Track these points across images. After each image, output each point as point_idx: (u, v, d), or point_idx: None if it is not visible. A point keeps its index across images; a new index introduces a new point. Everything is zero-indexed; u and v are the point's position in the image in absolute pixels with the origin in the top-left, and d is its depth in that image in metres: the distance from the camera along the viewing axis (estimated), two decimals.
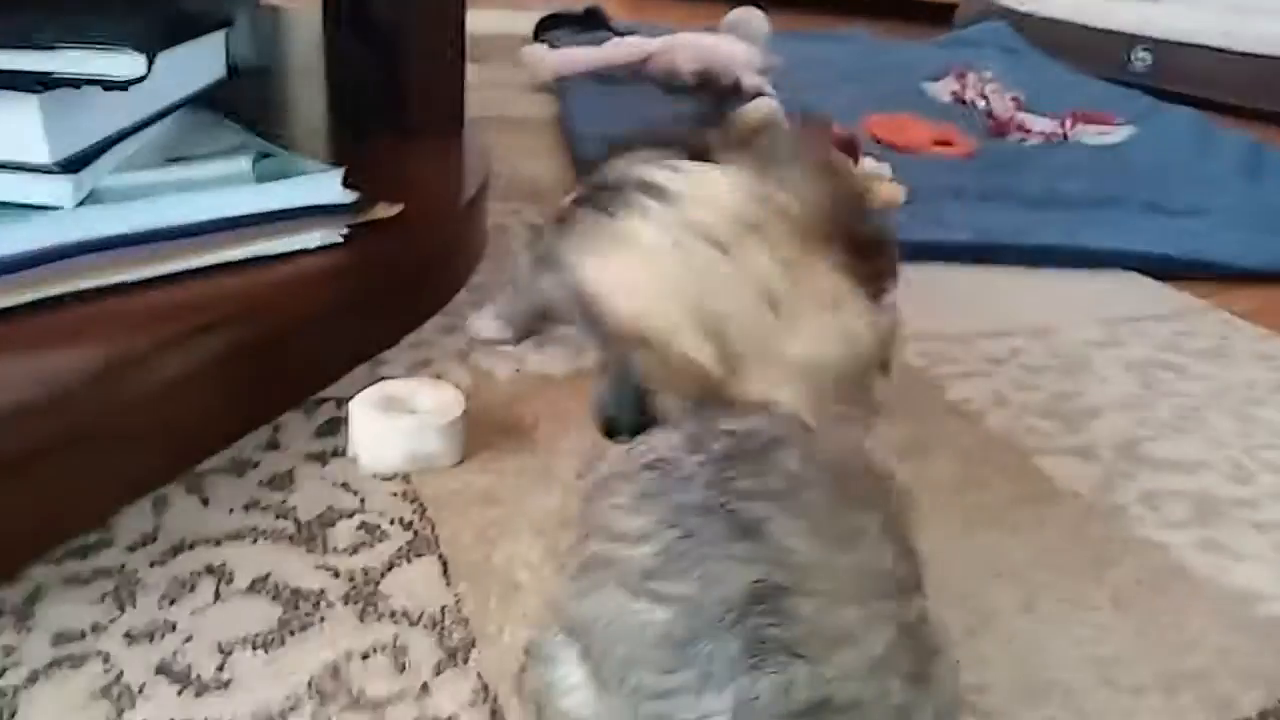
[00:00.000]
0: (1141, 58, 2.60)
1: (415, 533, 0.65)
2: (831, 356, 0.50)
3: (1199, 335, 1.10)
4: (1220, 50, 2.48)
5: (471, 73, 1.20)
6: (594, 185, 0.55)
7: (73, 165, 0.74)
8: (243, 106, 1.03)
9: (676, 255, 0.51)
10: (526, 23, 2.38)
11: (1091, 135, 1.83)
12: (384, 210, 0.88)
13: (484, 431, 0.77)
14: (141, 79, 0.74)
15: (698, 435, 0.44)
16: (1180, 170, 1.68)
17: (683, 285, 0.51)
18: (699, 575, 0.39)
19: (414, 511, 0.67)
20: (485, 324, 0.86)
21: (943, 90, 2.12)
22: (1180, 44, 2.54)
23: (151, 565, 0.60)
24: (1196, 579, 0.69)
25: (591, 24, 2.34)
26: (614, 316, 0.52)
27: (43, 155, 0.72)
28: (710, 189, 0.53)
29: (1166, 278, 1.25)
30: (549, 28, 2.33)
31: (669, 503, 0.41)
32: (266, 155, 0.91)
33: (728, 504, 0.40)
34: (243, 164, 0.88)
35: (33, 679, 0.51)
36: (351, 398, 0.73)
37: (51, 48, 0.71)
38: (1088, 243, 1.29)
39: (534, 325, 0.90)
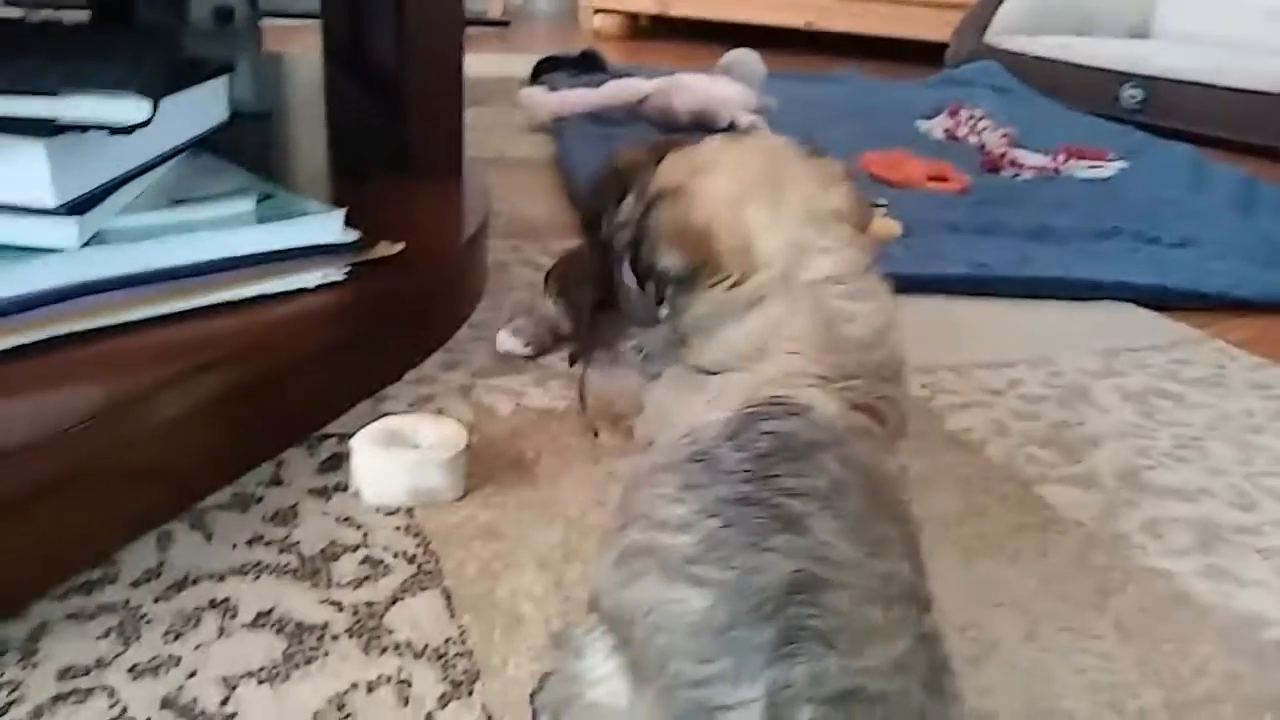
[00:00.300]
0: (1132, 94, 2.63)
1: (419, 566, 0.65)
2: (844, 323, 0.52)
3: (1196, 364, 1.10)
4: (1210, 86, 2.52)
5: (470, 114, 1.21)
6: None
7: (78, 208, 0.75)
8: (245, 149, 1.05)
9: (744, 167, 0.56)
10: (524, 66, 2.42)
11: (1084, 170, 1.85)
12: (385, 249, 0.89)
13: (486, 466, 0.77)
14: (146, 123, 0.75)
15: (740, 432, 0.45)
16: (1173, 203, 1.70)
17: (742, 184, 0.55)
18: (739, 564, 0.40)
19: (417, 545, 0.67)
20: (506, 339, 0.95)
21: (936, 127, 2.14)
22: (1171, 80, 2.58)
23: (156, 600, 0.60)
24: (1201, 606, 0.69)
25: (588, 66, 2.38)
26: (666, 175, 0.56)
27: (48, 199, 0.73)
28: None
29: (1162, 308, 1.26)
30: (546, 70, 2.36)
31: (712, 494, 0.43)
32: (269, 196, 0.92)
33: (770, 499, 0.42)
34: (245, 205, 0.89)
35: (38, 714, 0.51)
36: (354, 434, 0.74)
37: (57, 93, 0.73)
38: (1084, 274, 1.30)
39: (549, 343, 0.94)
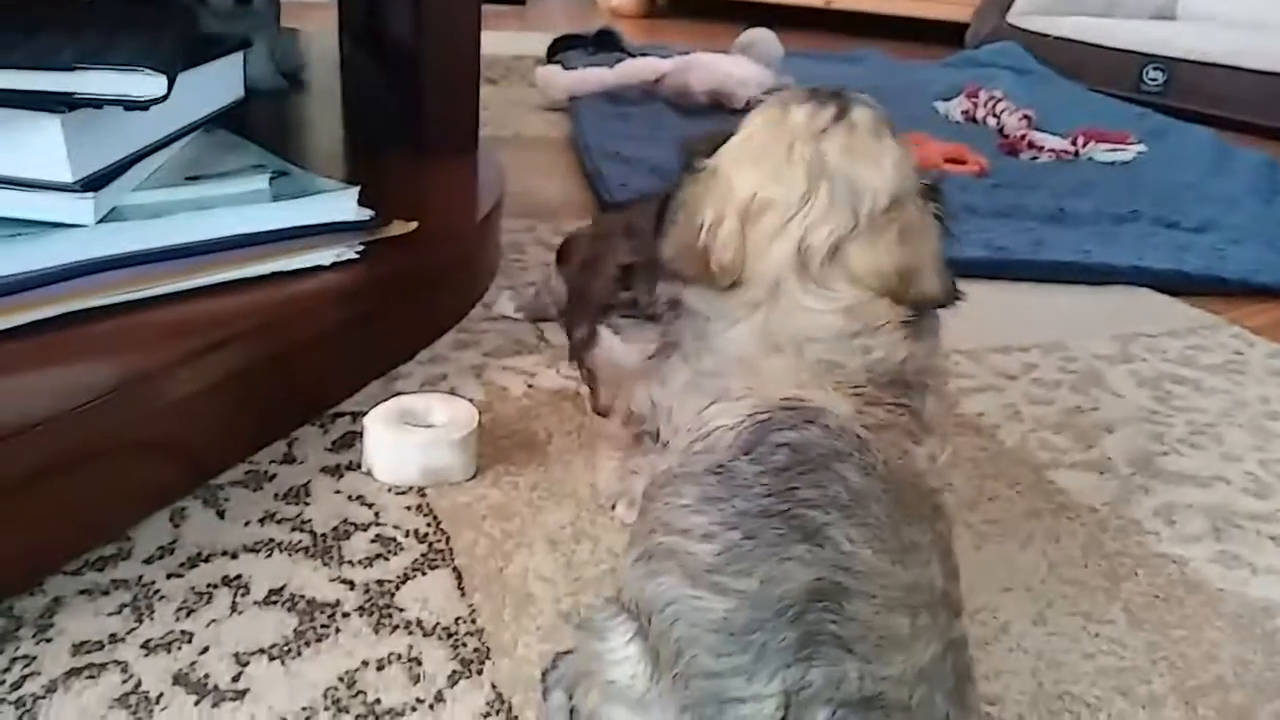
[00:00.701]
0: (1154, 77, 2.60)
1: (430, 545, 0.66)
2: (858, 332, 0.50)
3: (1213, 350, 1.09)
4: (1233, 68, 2.48)
5: (486, 92, 1.21)
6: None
7: (94, 184, 0.75)
8: (260, 126, 1.05)
9: (784, 159, 0.52)
10: (540, 44, 2.41)
11: (1103, 153, 1.83)
12: (399, 227, 0.89)
13: (498, 446, 0.77)
14: (162, 99, 0.75)
15: (755, 445, 0.44)
16: (1193, 187, 1.68)
17: (770, 181, 0.51)
18: (760, 573, 0.40)
19: (428, 524, 0.68)
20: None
21: (954, 109, 2.12)
22: (1193, 62, 2.55)
23: (169, 577, 0.61)
24: (1212, 592, 0.68)
25: (605, 45, 2.36)
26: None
27: (65, 174, 0.73)
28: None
29: (1179, 293, 1.25)
30: (563, 49, 2.35)
31: (732, 507, 0.43)
32: (283, 174, 0.92)
33: (790, 510, 0.42)
34: (260, 182, 0.89)
35: (51, 688, 0.52)
36: (366, 412, 0.74)
37: (73, 69, 0.73)
38: (1100, 259, 1.29)
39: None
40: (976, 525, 0.73)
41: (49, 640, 0.55)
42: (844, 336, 0.49)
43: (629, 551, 0.47)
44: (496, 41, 2.43)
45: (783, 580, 0.40)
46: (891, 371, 0.49)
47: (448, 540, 0.66)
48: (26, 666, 0.53)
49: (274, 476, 0.71)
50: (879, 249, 0.50)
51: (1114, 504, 0.78)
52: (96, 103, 0.74)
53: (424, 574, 0.63)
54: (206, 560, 0.62)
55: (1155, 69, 2.60)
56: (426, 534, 0.67)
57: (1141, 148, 1.88)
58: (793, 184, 0.50)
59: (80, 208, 0.75)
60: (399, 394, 0.78)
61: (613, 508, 0.70)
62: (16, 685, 0.52)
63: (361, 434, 0.74)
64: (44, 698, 0.51)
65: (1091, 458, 0.85)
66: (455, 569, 0.64)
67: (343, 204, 0.87)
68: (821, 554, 0.41)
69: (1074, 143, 1.84)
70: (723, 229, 0.51)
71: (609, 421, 0.75)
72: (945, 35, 3.28)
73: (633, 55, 2.21)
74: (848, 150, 0.51)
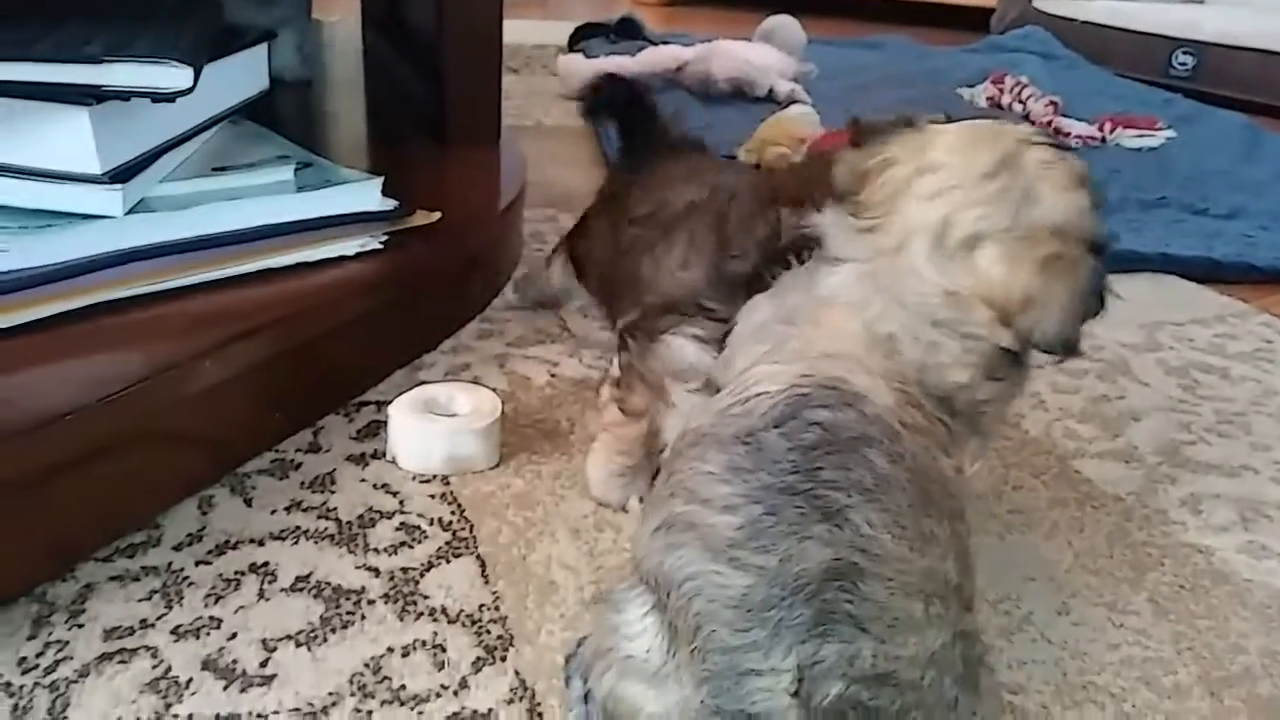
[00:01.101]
0: (1184, 61, 2.57)
1: (454, 533, 0.66)
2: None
3: (1241, 338, 1.08)
4: (1265, 52, 2.44)
5: (508, 82, 1.21)
6: None
7: (122, 175, 0.76)
8: (286, 117, 1.05)
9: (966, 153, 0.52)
10: (562, 32, 2.41)
11: (1131, 139, 1.81)
12: (423, 217, 0.90)
13: (521, 435, 0.78)
14: (188, 91, 0.76)
15: (789, 419, 0.44)
16: (1223, 174, 1.66)
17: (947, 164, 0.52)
18: (779, 551, 0.41)
19: (452, 512, 0.68)
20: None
21: (979, 95, 2.10)
22: (1224, 46, 2.51)
23: (198, 564, 0.61)
24: (1239, 582, 0.68)
25: (626, 33, 2.36)
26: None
27: (93, 166, 0.74)
28: None
29: (1208, 281, 1.23)
30: (584, 37, 2.35)
31: (756, 480, 0.43)
32: (308, 165, 0.92)
33: (813, 490, 0.42)
34: (285, 173, 0.89)
35: (84, 673, 0.53)
36: (391, 402, 0.74)
37: (100, 61, 0.73)
38: (1128, 246, 1.28)
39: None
40: (1001, 515, 0.73)
41: (81, 626, 0.56)
42: (927, 319, 0.49)
43: (647, 518, 0.47)
44: (518, 30, 2.43)
45: (801, 559, 0.40)
46: (943, 388, 0.49)
47: (471, 528, 0.67)
48: (60, 651, 0.54)
49: (300, 465, 0.72)
50: (1016, 263, 0.49)
51: (1140, 493, 0.77)
52: (124, 95, 0.74)
53: (448, 562, 0.63)
54: (234, 547, 0.63)
55: (1184, 53, 2.57)
56: (450, 522, 0.67)
57: (1170, 133, 1.85)
58: (978, 163, 0.50)
59: (108, 199, 0.75)
60: (423, 383, 0.79)
61: (624, 510, 0.70)
62: (50, 669, 0.53)
63: (386, 423, 0.74)
64: (76, 682, 0.52)
65: (1117, 447, 0.84)
66: (479, 557, 0.64)
67: (367, 194, 0.87)
68: (841, 535, 0.41)
69: (1101, 129, 1.82)
70: (895, 169, 0.52)
71: (618, 422, 0.71)
72: (970, 20, 3.25)
73: (654, 43, 2.21)
74: (1046, 167, 0.51)
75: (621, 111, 0.92)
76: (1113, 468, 0.81)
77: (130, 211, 0.77)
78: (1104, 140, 1.81)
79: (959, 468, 0.48)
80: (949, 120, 0.55)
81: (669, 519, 0.44)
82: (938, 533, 0.43)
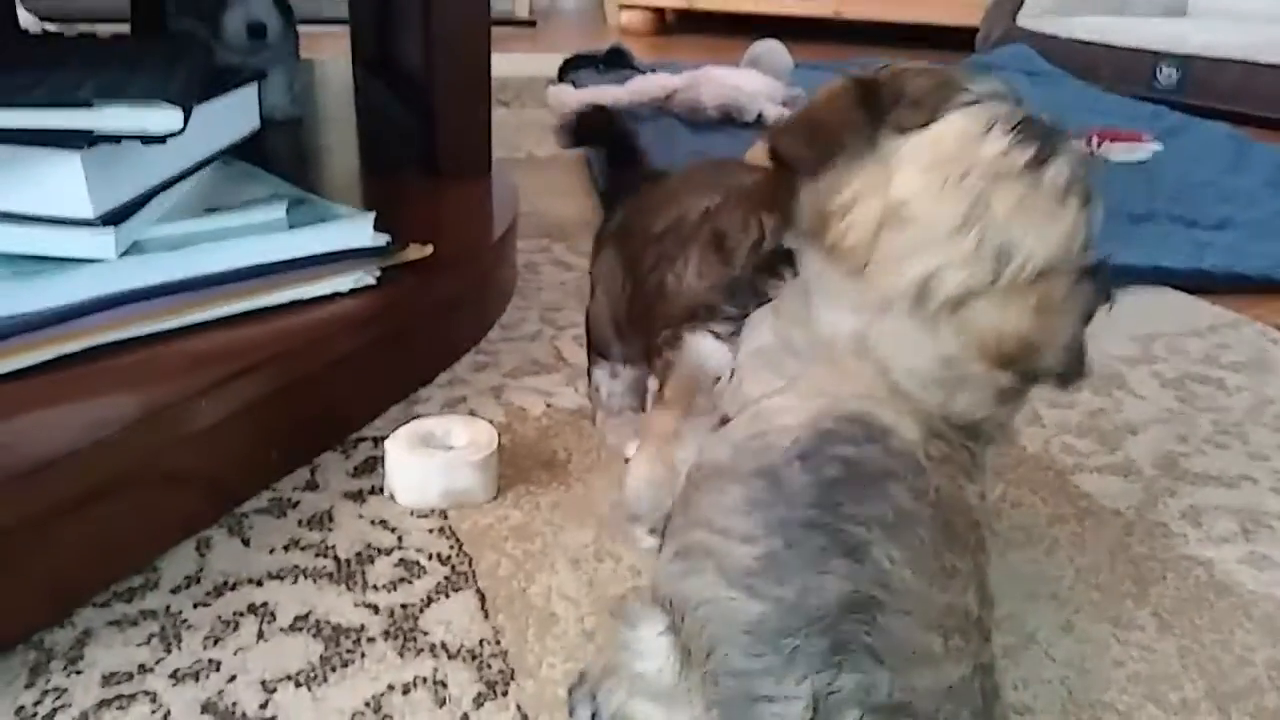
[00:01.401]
0: (1168, 74, 2.59)
1: (453, 568, 0.66)
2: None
3: (1236, 349, 1.08)
4: (1248, 63, 2.47)
5: (498, 114, 1.22)
6: None
7: (115, 218, 0.76)
8: (277, 155, 1.06)
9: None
10: (551, 65, 2.42)
11: (1119, 152, 1.82)
12: (416, 252, 0.90)
13: (518, 466, 0.77)
14: (179, 132, 0.76)
15: (811, 455, 0.44)
16: (1211, 184, 1.67)
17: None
18: (798, 583, 0.40)
19: (451, 547, 0.68)
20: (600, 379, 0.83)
21: None
22: (1208, 59, 2.53)
23: (196, 606, 0.61)
24: (1243, 594, 0.68)
25: (615, 63, 2.38)
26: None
27: (86, 210, 0.74)
28: None
29: (1201, 292, 1.24)
30: (574, 68, 2.36)
31: (776, 514, 0.43)
32: (300, 202, 0.92)
33: (834, 524, 0.42)
34: (277, 211, 0.89)
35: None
36: (387, 436, 0.74)
37: (91, 105, 0.74)
38: (1119, 260, 1.28)
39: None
40: (1001, 532, 0.73)
41: (79, 672, 0.55)
42: (930, 383, 0.47)
43: (665, 545, 0.47)
44: (508, 63, 2.45)
45: (820, 591, 0.40)
46: (965, 419, 0.48)
47: (470, 562, 0.66)
48: (58, 699, 0.54)
49: (297, 503, 0.72)
50: (1009, 313, 0.47)
51: (1140, 507, 0.77)
52: (115, 138, 0.75)
53: (447, 597, 0.63)
54: (233, 588, 0.63)
55: (1169, 66, 2.59)
56: (449, 557, 0.67)
57: (1157, 146, 1.87)
58: (947, 215, 0.46)
59: (102, 242, 0.75)
60: (418, 417, 0.79)
61: (635, 531, 0.69)
62: (48, 717, 0.52)
63: (382, 458, 0.74)
64: None
65: (1115, 461, 0.84)
66: (479, 591, 0.64)
67: (360, 230, 0.87)
68: (861, 570, 0.41)
69: (1088, 143, 1.84)
70: (858, 210, 0.48)
71: (664, 435, 0.67)
72: (955, 41, 3.27)
73: (643, 72, 2.22)
74: (1020, 207, 0.47)
75: (602, 138, 0.92)
76: (1112, 482, 0.81)
77: (124, 254, 0.77)
78: (1092, 154, 1.82)
79: (983, 493, 0.48)
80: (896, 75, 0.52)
81: (687, 546, 0.44)
82: (960, 567, 0.43)
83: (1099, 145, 1.83)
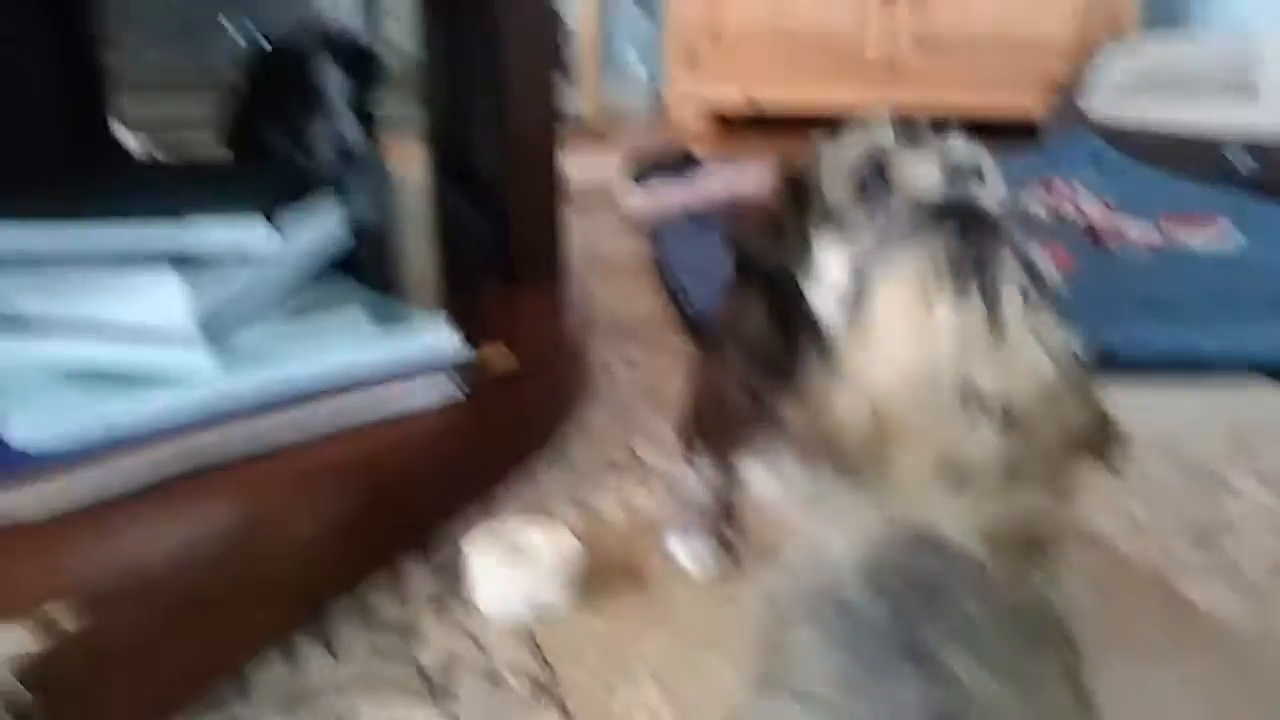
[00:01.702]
0: (1241, 159, 2.55)
1: (536, 681, 0.65)
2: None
3: None
4: None
5: (571, 219, 1.25)
6: None
7: (213, 334, 0.79)
8: (360, 264, 1.09)
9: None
10: (619, 167, 2.48)
11: (1193, 238, 1.79)
12: (503, 363, 0.91)
13: (596, 573, 0.77)
14: (272, 246, 0.79)
15: (876, 574, 0.43)
16: None
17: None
18: (875, 698, 0.39)
19: (534, 659, 0.67)
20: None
21: (1033, 203, 2.10)
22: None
23: (282, 716, 0.61)
24: None
25: (683, 165, 2.42)
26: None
27: (186, 324, 0.77)
28: None
29: None
30: (643, 172, 2.41)
31: (854, 652, 0.41)
32: (385, 312, 0.95)
33: (906, 639, 0.41)
34: (363, 321, 0.92)
35: None
36: (466, 538, 0.75)
37: (187, 221, 0.77)
38: (1205, 348, 1.25)
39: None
40: (1102, 643, 0.70)
41: None
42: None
43: (747, 689, 0.46)
44: (576, 167, 2.51)
45: (898, 707, 0.39)
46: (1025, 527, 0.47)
47: (554, 675, 0.66)
48: None
49: (380, 611, 0.72)
50: (1016, 487, 0.46)
51: (1250, 615, 0.74)
52: (211, 253, 0.78)
53: (531, 711, 0.62)
54: (318, 697, 0.63)
55: (1242, 150, 2.55)
56: (533, 670, 0.66)
57: (1233, 231, 1.83)
58: (941, 408, 0.46)
59: (201, 358, 0.78)
60: (496, 519, 0.79)
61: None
62: None
63: (463, 563, 0.74)
64: None
65: (1220, 564, 0.80)
66: (563, 706, 0.63)
67: (444, 342, 0.89)
68: (943, 692, 0.39)
69: (1160, 230, 1.81)
70: (846, 426, 0.47)
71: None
72: (1017, 130, 3.28)
73: (711, 173, 2.26)
74: (1005, 371, 0.47)
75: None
76: (1217, 588, 0.77)
77: (219, 366, 0.79)
78: (1165, 241, 1.79)
79: (1053, 585, 0.46)
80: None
81: (767, 677, 0.44)
82: (1043, 671, 0.42)
83: (1170, 231, 1.80)
